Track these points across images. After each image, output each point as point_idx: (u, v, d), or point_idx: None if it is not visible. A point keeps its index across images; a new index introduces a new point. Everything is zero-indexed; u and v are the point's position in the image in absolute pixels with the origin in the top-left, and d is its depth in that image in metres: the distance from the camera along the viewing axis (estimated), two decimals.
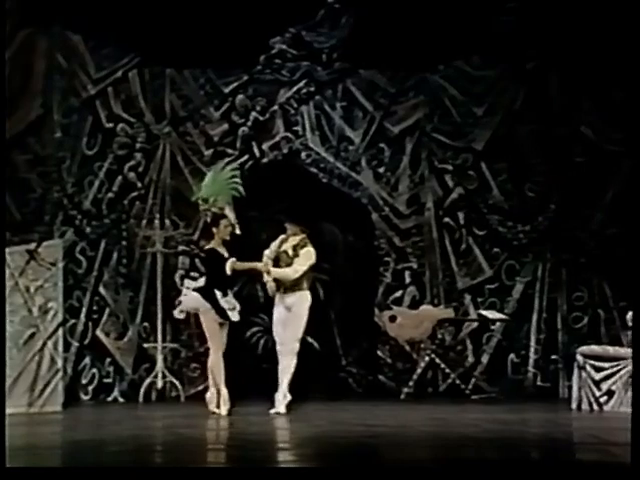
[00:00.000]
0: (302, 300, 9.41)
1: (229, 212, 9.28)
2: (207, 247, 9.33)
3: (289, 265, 9.37)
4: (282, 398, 9.33)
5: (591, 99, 11.18)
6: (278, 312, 9.52)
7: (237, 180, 9.49)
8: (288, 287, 9.38)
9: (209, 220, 9.43)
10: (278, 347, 9.52)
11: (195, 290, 9.30)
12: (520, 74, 11.39)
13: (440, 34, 10.94)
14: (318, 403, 10.26)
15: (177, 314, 9.54)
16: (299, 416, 9.10)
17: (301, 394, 11.18)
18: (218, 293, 9.18)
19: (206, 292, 9.21)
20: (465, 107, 11.52)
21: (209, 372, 9.40)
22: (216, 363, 9.23)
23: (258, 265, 9.43)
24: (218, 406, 9.28)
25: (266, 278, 9.46)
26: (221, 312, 9.19)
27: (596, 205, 11.29)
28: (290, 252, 9.37)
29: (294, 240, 9.46)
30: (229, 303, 9.26)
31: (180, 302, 9.43)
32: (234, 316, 9.27)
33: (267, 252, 9.46)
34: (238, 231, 9.34)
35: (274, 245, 9.50)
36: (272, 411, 9.24)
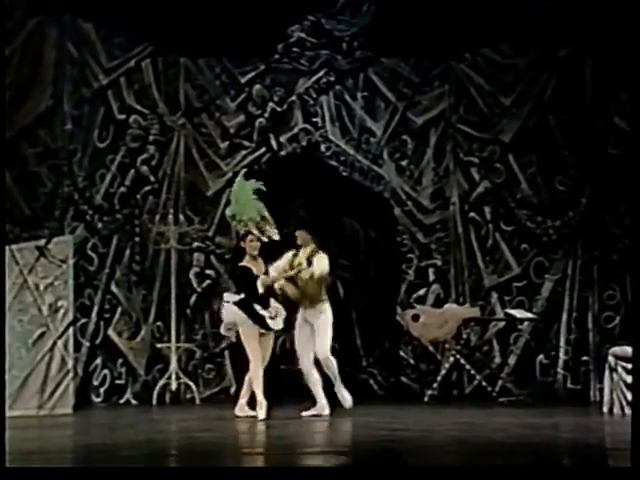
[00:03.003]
0: (324, 312, 9.22)
1: (254, 228, 9.13)
2: (240, 264, 9.17)
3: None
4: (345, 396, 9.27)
5: (626, 88, 10.87)
6: (303, 329, 9.28)
7: (257, 198, 9.34)
8: (308, 303, 9.18)
9: (241, 235, 9.31)
10: (306, 363, 9.26)
11: (234, 304, 9.07)
12: (551, 62, 11.22)
13: (467, 20, 10.79)
14: (336, 406, 10.03)
15: (224, 332, 9.39)
16: (319, 420, 8.96)
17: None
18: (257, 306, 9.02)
19: (244, 304, 9.02)
20: (492, 97, 11.40)
21: (246, 381, 9.24)
22: (256, 375, 9.04)
23: (289, 273, 9.21)
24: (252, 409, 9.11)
25: (284, 286, 9.18)
26: (260, 322, 9.01)
27: (630, 200, 10.98)
28: (305, 264, 9.14)
29: (305, 252, 9.24)
30: (270, 312, 9.08)
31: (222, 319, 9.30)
32: (276, 324, 9.09)
33: (272, 269, 9.20)
34: (277, 237, 9.19)
35: (282, 263, 9.26)
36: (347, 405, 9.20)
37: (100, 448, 7.19)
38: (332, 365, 9.22)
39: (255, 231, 9.11)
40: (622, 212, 11.00)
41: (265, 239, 9.14)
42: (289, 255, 9.27)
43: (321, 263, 9.16)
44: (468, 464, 6.40)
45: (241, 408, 9.24)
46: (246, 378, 9.33)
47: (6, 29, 10.00)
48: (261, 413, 8.90)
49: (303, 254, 9.22)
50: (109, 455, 6.83)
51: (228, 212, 9.33)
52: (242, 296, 9.03)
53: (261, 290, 9.03)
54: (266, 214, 9.23)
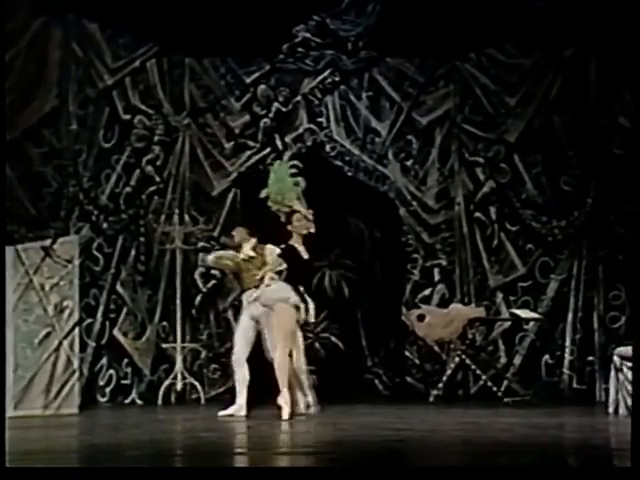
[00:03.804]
0: (279, 313, 9.01)
1: (300, 206, 9.05)
2: (285, 245, 9.03)
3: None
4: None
5: (631, 88, 10.83)
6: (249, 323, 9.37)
7: (296, 173, 9.33)
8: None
9: (283, 219, 9.14)
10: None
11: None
12: (556, 62, 11.19)
13: (471, 20, 10.76)
14: (343, 406, 10.11)
15: (251, 300, 9.21)
16: (323, 419, 8.94)
17: (326, 396, 10.99)
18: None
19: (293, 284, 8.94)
20: (497, 97, 11.37)
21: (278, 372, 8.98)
22: (283, 362, 8.84)
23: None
24: (308, 406, 9.05)
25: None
26: (307, 309, 8.92)
27: (635, 199, 10.94)
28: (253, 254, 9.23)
29: (249, 245, 9.34)
30: (310, 302, 9.02)
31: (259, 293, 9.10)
32: (311, 317, 9.01)
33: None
34: (313, 229, 9.07)
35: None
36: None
37: (105, 448, 7.15)
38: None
39: (303, 209, 9.01)
40: (627, 212, 10.97)
41: (311, 218, 9.04)
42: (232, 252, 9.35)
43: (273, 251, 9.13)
44: (473, 464, 6.35)
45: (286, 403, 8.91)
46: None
47: (10, 29, 9.97)
48: (285, 412, 8.73)
49: (247, 248, 9.28)
50: (114, 455, 6.78)
51: (272, 194, 9.15)
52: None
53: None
54: (301, 196, 9.16)
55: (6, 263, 9.38)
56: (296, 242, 9.00)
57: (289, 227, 9.02)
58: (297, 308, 8.88)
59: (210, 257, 9.81)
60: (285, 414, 8.74)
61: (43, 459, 6.54)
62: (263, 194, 9.26)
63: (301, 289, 8.96)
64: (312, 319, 9.06)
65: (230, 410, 9.24)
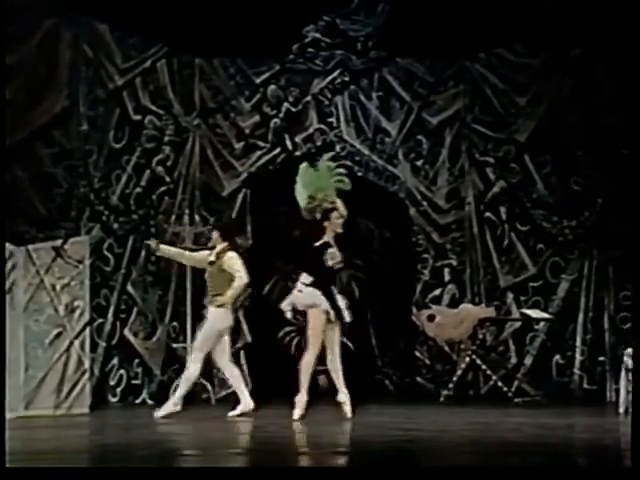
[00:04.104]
0: (211, 314, 9.31)
1: (340, 204, 9.01)
2: (319, 242, 8.97)
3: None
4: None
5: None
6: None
7: (341, 171, 9.28)
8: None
9: (319, 216, 9.05)
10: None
11: (309, 286, 8.94)
12: (566, 61, 11.15)
13: (481, 20, 10.73)
14: (353, 406, 9.98)
15: (287, 311, 9.19)
16: (333, 420, 8.92)
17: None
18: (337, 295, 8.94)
19: (323, 288, 8.89)
20: (507, 97, 11.35)
21: (333, 373, 9.09)
22: (308, 364, 8.92)
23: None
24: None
25: None
26: (337, 311, 8.91)
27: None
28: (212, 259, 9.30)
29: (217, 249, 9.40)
30: (342, 302, 9.00)
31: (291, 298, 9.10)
32: (347, 317, 9.00)
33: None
34: (340, 229, 9.06)
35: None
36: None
37: (116, 448, 7.17)
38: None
39: (342, 208, 8.99)
40: (638, 212, 10.92)
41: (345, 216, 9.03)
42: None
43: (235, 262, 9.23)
44: (482, 464, 6.35)
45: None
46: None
47: (21, 30, 9.99)
48: (297, 413, 8.78)
49: (212, 254, 9.35)
50: (125, 455, 6.81)
51: (310, 190, 9.04)
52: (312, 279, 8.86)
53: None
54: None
55: (17, 263, 9.42)
56: (330, 239, 8.97)
57: (326, 223, 8.95)
58: (327, 313, 8.87)
59: (186, 254, 9.72)
60: (296, 414, 8.75)
61: (54, 459, 6.57)
62: (304, 190, 9.11)
63: (334, 290, 8.95)
64: (348, 319, 9.01)
65: (238, 410, 9.23)
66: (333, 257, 8.87)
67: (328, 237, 8.95)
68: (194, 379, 9.39)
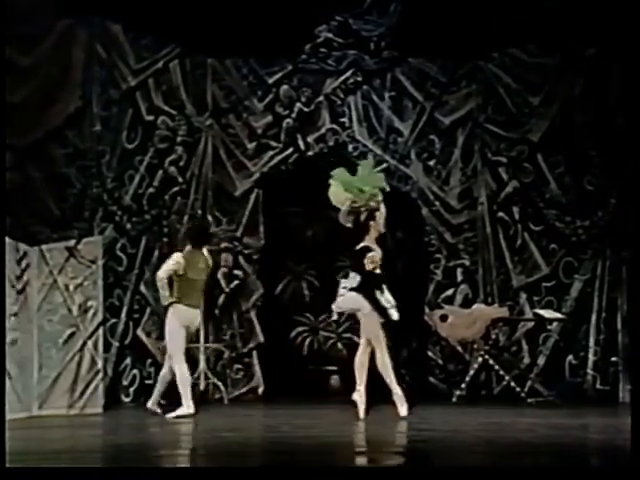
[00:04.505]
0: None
1: (382, 205, 9.08)
2: (362, 244, 8.97)
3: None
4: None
5: None
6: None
7: (381, 168, 9.39)
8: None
9: (364, 217, 9.05)
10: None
11: (352, 290, 8.95)
12: (579, 61, 11.12)
13: (494, 20, 10.69)
14: (366, 406, 9.96)
15: (336, 311, 9.20)
16: (346, 419, 8.90)
17: (348, 396, 10.97)
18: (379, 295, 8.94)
19: (364, 291, 8.89)
20: (520, 96, 11.29)
21: (357, 371, 9.07)
22: (384, 363, 8.93)
23: None
24: (367, 412, 8.97)
25: None
26: (382, 312, 8.93)
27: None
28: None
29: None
30: (387, 301, 8.99)
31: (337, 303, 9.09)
32: (394, 315, 9.01)
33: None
34: (384, 228, 9.11)
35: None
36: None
37: (129, 448, 7.18)
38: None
39: (383, 207, 9.02)
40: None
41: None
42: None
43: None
44: (495, 465, 6.33)
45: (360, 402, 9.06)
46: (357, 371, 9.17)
47: (35, 32, 10.02)
48: (403, 410, 8.83)
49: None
50: (138, 455, 6.82)
51: (355, 191, 9.02)
52: (357, 282, 8.85)
53: None
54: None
55: (31, 263, 9.44)
56: (371, 242, 8.98)
57: (372, 223, 8.98)
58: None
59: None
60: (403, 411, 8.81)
61: (68, 458, 6.58)
62: (345, 193, 9.06)
63: (383, 288, 8.96)
64: (395, 317, 9.02)
65: (179, 411, 9.21)
66: (373, 260, 8.89)
67: (370, 238, 8.96)
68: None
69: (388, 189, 9.25)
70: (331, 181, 9.12)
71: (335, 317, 9.21)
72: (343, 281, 9.09)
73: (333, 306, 9.07)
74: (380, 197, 9.06)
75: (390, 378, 8.90)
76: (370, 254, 8.85)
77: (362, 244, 8.92)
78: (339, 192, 9.03)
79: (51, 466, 6.09)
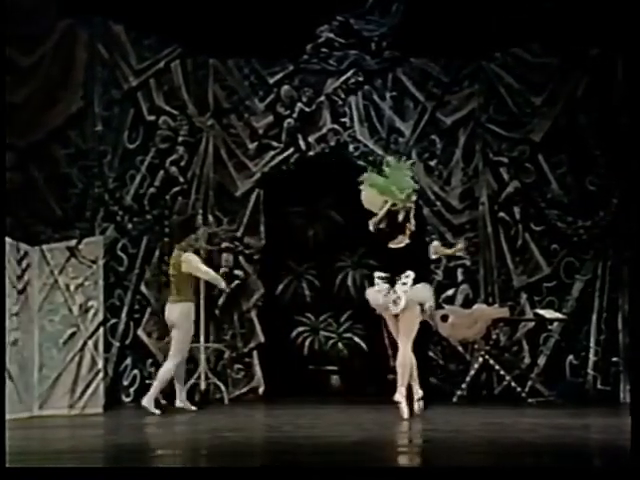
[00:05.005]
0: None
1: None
2: (405, 243, 9.06)
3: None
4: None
5: None
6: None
7: (411, 166, 9.49)
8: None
9: (402, 217, 9.10)
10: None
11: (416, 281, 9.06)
12: (582, 61, 11.09)
13: (497, 20, 10.66)
14: (366, 406, 9.99)
15: (396, 310, 9.08)
16: (347, 419, 8.93)
17: (348, 396, 10.98)
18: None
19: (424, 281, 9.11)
20: (522, 96, 11.27)
21: (400, 369, 9.07)
22: (406, 360, 9.04)
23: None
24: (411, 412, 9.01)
25: None
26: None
27: None
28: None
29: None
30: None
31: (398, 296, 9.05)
32: (426, 312, 9.17)
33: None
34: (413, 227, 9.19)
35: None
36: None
37: (131, 447, 7.17)
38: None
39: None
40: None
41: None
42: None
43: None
44: (497, 465, 6.31)
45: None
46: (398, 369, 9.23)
47: (37, 32, 10.01)
48: (419, 404, 9.01)
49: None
50: (140, 455, 6.82)
51: (409, 189, 9.11)
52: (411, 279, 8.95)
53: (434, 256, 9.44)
54: None
55: (32, 263, 9.44)
56: (407, 240, 9.08)
57: (408, 224, 9.07)
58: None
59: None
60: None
61: (69, 459, 6.57)
62: (380, 196, 9.10)
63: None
64: (427, 315, 9.13)
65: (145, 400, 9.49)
66: (437, 250, 9.30)
67: (405, 237, 9.04)
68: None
69: (418, 187, 9.39)
70: (363, 187, 9.14)
71: (398, 310, 9.11)
72: (404, 278, 8.98)
73: (401, 300, 8.97)
74: (414, 197, 9.16)
75: (415, 374, 9.05)
76: (435, 244, 9.21)
77: (406, 242, 9.01)
78: (375, 196, 9.09)
79: (52, 466, 6.08)
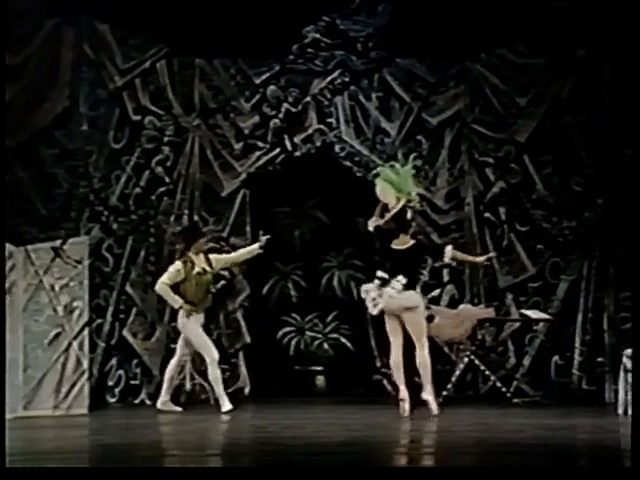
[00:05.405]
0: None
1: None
2: (410, 244, 9.23)
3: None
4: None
5: None
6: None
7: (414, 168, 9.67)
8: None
9: (410, 216, 9.33)
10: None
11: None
12: (568, 62, 11.09)
13: (483, 21, 10.65)
14: (352, 406, 9.99)
15: (372, 311, 9.32)
16: (334, 419, 8.93)
17: (335, 397, 10.98)
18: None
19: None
20: (508, 97, 11.26)
21: (422, 370, 9.24)
22: (426, 359, 9.22)
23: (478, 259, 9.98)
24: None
25: None
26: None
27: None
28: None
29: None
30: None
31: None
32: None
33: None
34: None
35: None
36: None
37: (117, 448, 7.17)
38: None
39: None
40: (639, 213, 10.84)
41: None
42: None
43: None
44: (483, 465, 6.33)
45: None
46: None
47: (23, 32, 9.99)
48: (434, 408, 9.11)
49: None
50: (126, 455, 6.82)
51: (404, 192, 9.30)
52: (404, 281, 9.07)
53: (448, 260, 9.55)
54: None
55: (16, 264, 9.41)
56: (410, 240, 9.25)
57: (413, 223, 9.30)
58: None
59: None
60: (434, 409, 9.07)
61: (55, 459, 6.57)
62: (397, 193, 9.31)
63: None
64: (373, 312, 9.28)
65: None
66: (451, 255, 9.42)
67: (410, 239, 9.25)
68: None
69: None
70: (378, 180, 9.37)
71: (374, 312, 9.27)
72: (394, 281, 9.13)
73: (379, 304, 9.12)
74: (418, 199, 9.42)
75: (430, 376, 9.17)
76: (449, 247, 9.42)
77: (411, 243, 9.21)
78: (389, 190, 9.30)
79: (51, 466, 6.13)
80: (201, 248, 9.81)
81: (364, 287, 9.30)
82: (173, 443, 7.68)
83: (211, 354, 9.63)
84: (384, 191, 9.27)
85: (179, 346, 9.90)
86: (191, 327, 9.70)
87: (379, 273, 9.19)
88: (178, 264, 9.69)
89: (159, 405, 9.87)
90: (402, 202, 9.14)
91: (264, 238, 9.73)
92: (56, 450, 7.06)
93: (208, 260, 9.77)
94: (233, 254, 10.04)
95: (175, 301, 9.68)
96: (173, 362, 9.93)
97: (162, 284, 9.68)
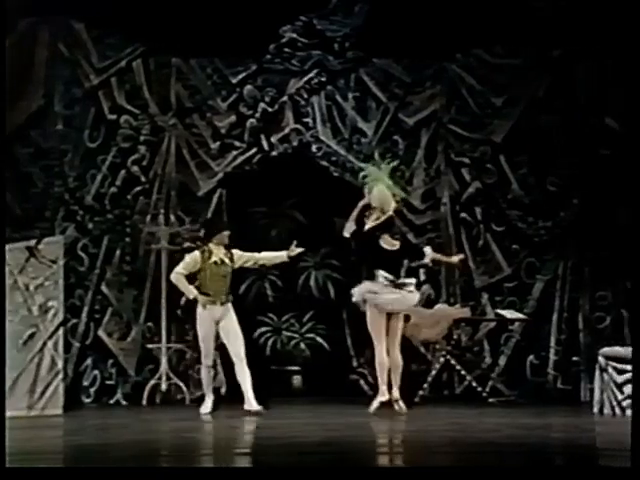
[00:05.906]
0: (231, 311, 9.70)
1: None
2: (398, 245, 9.39)
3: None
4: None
5: (620, 90, 10.78)
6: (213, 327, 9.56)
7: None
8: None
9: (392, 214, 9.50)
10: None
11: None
12: (544, 62, 11.13)
13: (459, 21, 10.70)
14: (329, 406, 10.00)
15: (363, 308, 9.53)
16: (311, 420, 8.91)
17: (311, 397, 10.98)
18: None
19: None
20: (484, 97, 11.31)
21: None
22: (400, 359, 9.46)
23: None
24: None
25: None
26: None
27: (621, 200, 10.91)
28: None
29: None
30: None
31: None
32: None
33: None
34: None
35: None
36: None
37: (93, 448, 7.14)
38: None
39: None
40: (613, 212, 10.91)
41: None
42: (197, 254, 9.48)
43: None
44: (459, 464, 6.35)
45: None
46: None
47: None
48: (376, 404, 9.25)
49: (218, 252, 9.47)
50: (103, 455, 6.80)
51: (395, 189, 9.45)
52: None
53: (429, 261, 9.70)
54: None
55: None
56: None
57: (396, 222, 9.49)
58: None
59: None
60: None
61: (30, 460, 6.52)
62: (389, 191, 9.46)
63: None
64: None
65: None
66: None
67: (396, 241, 9.40)
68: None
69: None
70: (371, 183, 9.48)
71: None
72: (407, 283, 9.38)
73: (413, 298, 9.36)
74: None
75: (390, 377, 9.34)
76: (427, 248, 9.65)
77: (398, 244, 9.37)
78: (386, 193, 9.42)
79: (52, 466, 6.13)
80: (223, 240, 9.67)
81: (366, 286, 9.27)
82: (148, 443, 7.64)
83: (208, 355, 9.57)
84: (383, 197, 9.32)
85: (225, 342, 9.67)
86: (202, 321, 9.50)
87: (382, 273, 9.20)
88: (196, 253, 9.51)
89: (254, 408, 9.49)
90: (393, 206, 9.25)
91: (296, 249, 9.61)
92: (31, 450, 7.01)
93: (230, 254, 9.59)
94: (257, 254, 9.71)
95: (189, 291, 9.45)
96: (236, 368, 9.66)
97: (177, 274, 9.49)
